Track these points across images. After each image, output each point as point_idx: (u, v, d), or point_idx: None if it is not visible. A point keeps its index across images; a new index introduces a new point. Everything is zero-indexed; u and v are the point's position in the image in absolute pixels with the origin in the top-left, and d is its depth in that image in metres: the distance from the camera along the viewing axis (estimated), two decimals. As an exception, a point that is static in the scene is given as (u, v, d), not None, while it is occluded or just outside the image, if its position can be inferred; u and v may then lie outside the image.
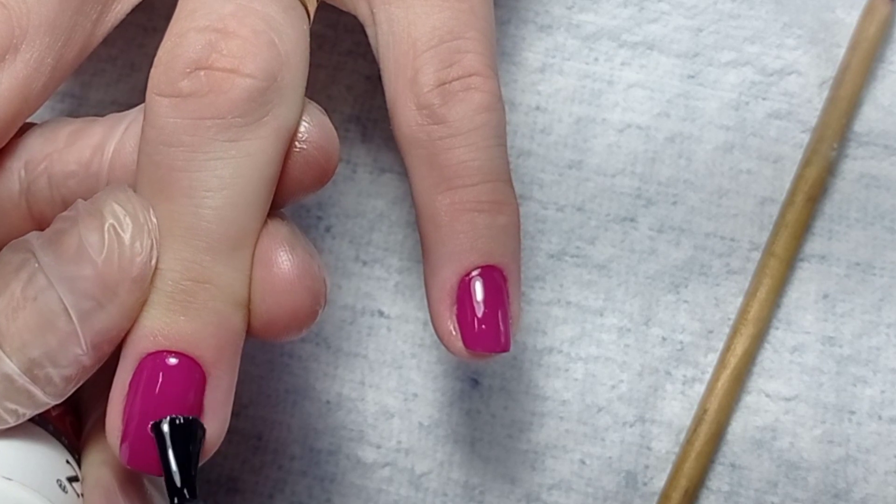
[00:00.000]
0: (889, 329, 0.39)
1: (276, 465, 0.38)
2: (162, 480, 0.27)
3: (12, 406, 0.27)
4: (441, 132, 0.31)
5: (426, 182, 0.31)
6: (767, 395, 0.39)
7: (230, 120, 0.27)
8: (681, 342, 0.39)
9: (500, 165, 0.32)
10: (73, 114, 0.40)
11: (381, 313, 0.40)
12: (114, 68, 0.41)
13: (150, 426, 0.26)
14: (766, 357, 0.39)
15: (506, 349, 0.31)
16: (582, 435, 0.39)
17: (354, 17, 0.34)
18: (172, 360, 0.27)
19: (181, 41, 0.27)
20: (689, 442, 0.38)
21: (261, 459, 0.38)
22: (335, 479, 0.38)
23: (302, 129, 0.29)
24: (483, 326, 0.31)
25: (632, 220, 0.40)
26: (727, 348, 0.39)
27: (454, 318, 0.31)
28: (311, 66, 0.30)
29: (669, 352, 0.39)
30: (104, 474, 0.29)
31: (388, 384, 0.39)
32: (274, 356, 0.39)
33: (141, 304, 0.27)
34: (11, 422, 0.27)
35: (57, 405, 0.28)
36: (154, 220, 0.27)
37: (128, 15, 0.32)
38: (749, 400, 0.39)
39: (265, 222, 0.28)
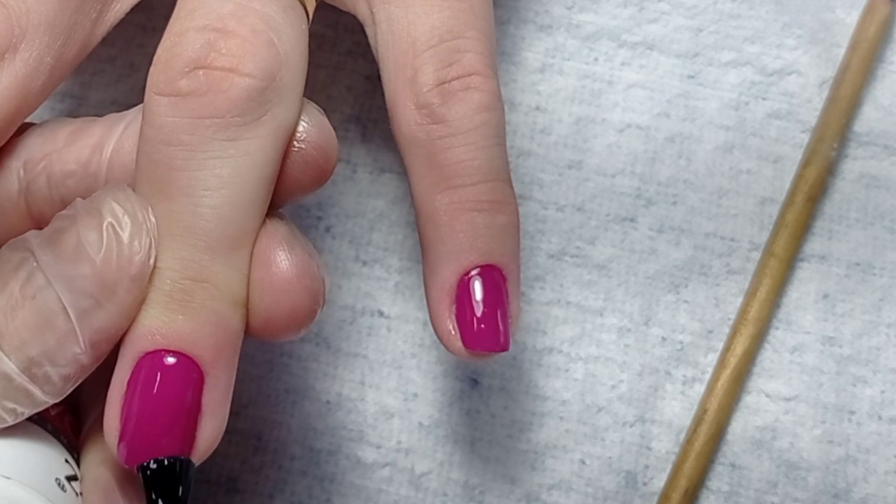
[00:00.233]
0: (889, 329, 0.39)
1: (276, 465, 0.38)
2: None
3: (11, 405, 0.27)
4: (440, 132, 0.31)
5: (425, 181, 0.31)
6: (767, 395, 0.39)
7: (229, 119, 0.27)
8: (681, 342, 0.39)
9: (499, 165, 0.32)
10: (73, 114, 0.40)
11: (380, 313, 0.40)
12: (113, 68, 0.41)
13: (136, 468, 0.27)
14: (766, 357, 0.39)
15: (505, 349, 0.31)
16: (582, 435, 0.39)
17: (354, 17, 0.34)
18: (170, 360, 0.27)
19: (180, 40, 0.27)
20: (689, 442, 0.38)
21: (261, 459, 0.38)
22: (335, 479, 0.38)
23: (300, 128, 0.29)
24: (482, 326, 0.31)
25: (632, 220, 0.40)
26: (727, 348, 0.39)
27: (453, 317, 0.31)
28: (310, 66, 0.30)
29: (669, 352, 0.39)
30: (103, 473, 0.29)
31: (387, 384, 0.39)
32: (273, 356, 0.39)
33: (139, 303, 0.27)
34: (10, 420, 0.27)
35: (56, 404, 0.28)
36: (153, 218, 0.27)
37: (127, 14, 0.32)
38: (749, 400, 0.39)
39: (264, 222, 0.28)
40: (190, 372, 0.27)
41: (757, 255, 0.40)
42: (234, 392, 0.28)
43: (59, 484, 0.28)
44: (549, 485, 0.38)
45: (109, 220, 0.27)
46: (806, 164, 0.40)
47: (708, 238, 0.40)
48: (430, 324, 0.32)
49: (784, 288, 0.40)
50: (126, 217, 0.27)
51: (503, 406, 0.39)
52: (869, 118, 0.41)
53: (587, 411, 0.39)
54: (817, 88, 0.41)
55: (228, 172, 0.27)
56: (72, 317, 0.26)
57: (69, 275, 0.26)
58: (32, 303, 0.26)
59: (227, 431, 0.28)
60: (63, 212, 0.27)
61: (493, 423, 0.39)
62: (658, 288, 0.40)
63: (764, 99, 0.41)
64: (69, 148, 0.30)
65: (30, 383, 0.27)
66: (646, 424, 0.39)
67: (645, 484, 0.38)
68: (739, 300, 0.40)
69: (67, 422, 0.30)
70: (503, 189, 0.31)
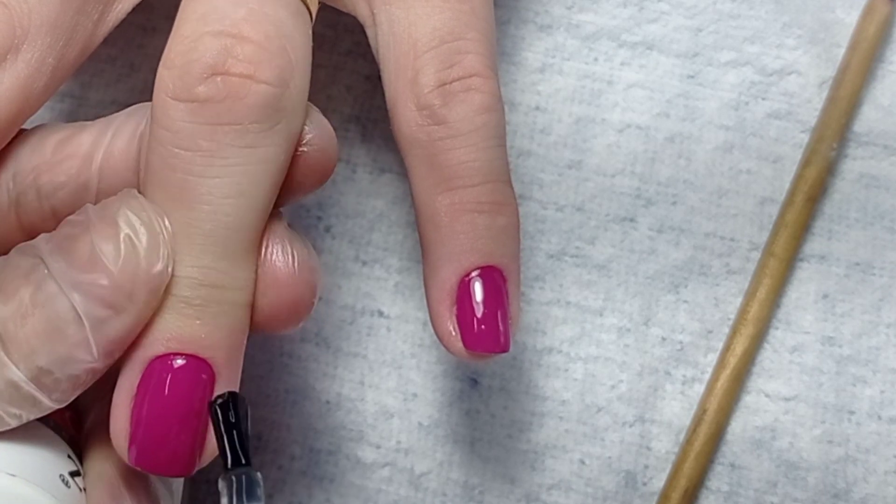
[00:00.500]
0: (889, 329, 0.39)
1: (276, 465, 0.38)
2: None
3: (16, 411, 0.27)
4: (441, 133, 0.31)
5: (426, 182, 0.31)
6: (767, 395, 0.39)
7: (247, 126, 0.27)
8: (680, 342, 0.39)
9: (499, 166, 0.32)
10: (73, 114, 0.40)
11: (380, 313, 0.40)
12: (113, 68, 0.41)
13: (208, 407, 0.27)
14: (766, 357, 0.39)
15: (505, 350, 0.31)
16: (581, 435, 0.39)
17: (354, 18, 0.34)
18: (180, 362, 0.27)
19: (197, 45, 0.27)
20: (688, 442, 0.38)
21: (261, 459, 0.38)
22: (335, 479, 0.38)
23: (305, 132, 0.29)
24: (483, 327, 0.31)
25: (631, 220, 0.40)
26: (727, 348, 0.39)
27: (454, 318, 0.31)
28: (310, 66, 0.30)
29: (669, 352, 0.39)
30: (107, 468, 0.29)
31: (387, 384, 0.39)
32: (273, 356, 0.39)
33: (154, 310, 0.27)
34: (13, 424, 0.27)
35: None
36: (169, 226, 0.27)
37: (127, 15, 0.32)
38: (748, 400, 0.39)
39: None
40: (200, 373, 0.27)
41: (757, 255, 0.40)
42: (238, 392, 0.28)
43: (63, 480, 0.28)
44: (549, 485, 0.38)
45: (126, 231, 0.26)
46: (806, 164, 0.40)
47: (708, 238, 0.40)
48: (429, 324, 0.33)
49: (784, 288, 0.40)
50: (142, 227, 0.26)
51: (503, 406, 0.39)
52: (869, 118, 0.41)
53: (587, 411, 0.39)
54: (817, 88, 0.41)
55: (247, 180, 0.27)
56: (86, 326, 0.26)
57: (85, 284, 0.26)
58: (43, 311, 0.26)
59: (228, 432, 0.28)
60: (73, 217, 0.27)
61: (492, 423, 0.39)
62: (658, 288, 0.40)
63: (764, 99, 0.41)
64: (58, 159, 0.29)
65: (37, 391, 0.26)
66: (645, 424, 0.39)
67: (644, 484, 0.38)
68: (739, 300, 0.40)
69: (68, 417, 0.30)
70: (503, 190, 0.31)
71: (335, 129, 0.30)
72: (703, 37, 0.42)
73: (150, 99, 0.29)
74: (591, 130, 0.41)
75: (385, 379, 0.39)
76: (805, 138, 0.41)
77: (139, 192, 0.28)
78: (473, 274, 0.31)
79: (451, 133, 0.31)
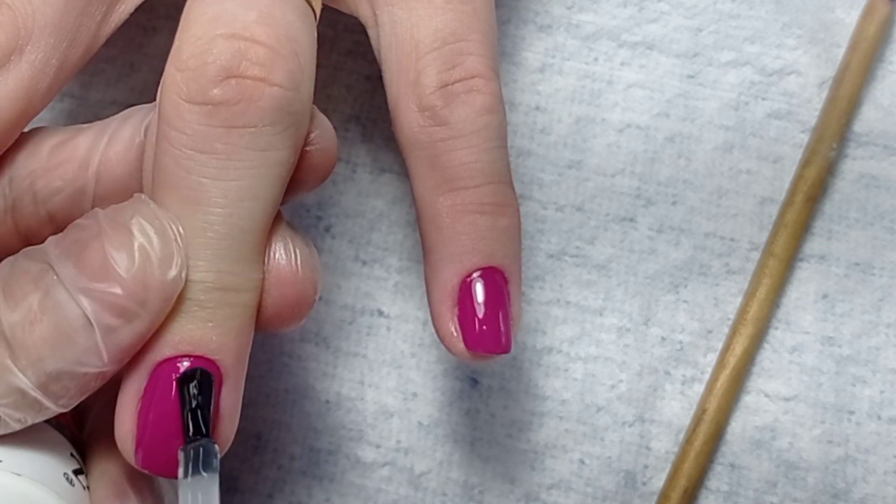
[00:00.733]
0: (888, 329, 0.39)
1: (276, 464, 0.38)
2: None
3: (21, 416, 0.27)
4: (443, 134, 0.31)
5: (428, 183, 0.31)
6: (767, 395, 0.39)
7: (261, 129, 0.27)
8: (680, 342, 0.39)
9: (501, 167, 0.32)
10: (73, 114, 0.40)
11: (380, 313, 0.40)
12: (113, 68, 0.41)
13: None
14: (766, 357, 0.39)
15: (507, 350, 0.31)
16: (581, 435, 0.39)
17: (354, 18, 0.34)
18: (187, 364, 0.27)
19: (210, 48, 0.27)
20: (688, 442, 0.38)
21: (260, 459, 0.38)
22: (335, 478, 0.38)
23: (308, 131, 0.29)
24: (484, 328, 0.31)
25: (631, 219, 0.40)
26: (726, 348, 0.39)
27: (455, 319, 0.31)
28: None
29: (669, 352, 0.39)
30: (110, 466, 0.29)
31: (387, 384, 0.39)
32: (274, 356, 0.39)
33: (166, 315, 0.27)
34: (17, 428, 0.27)
35: None
36: (182, 231, 0.27)
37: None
38: (748, 400, 0.39)
39: None
40: None
41: (756, 255, 0.40)
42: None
43: (67, 478, 0.28)
44: (549, 484, 0.38)
45: (140, 240, 0.26)
46: (805, 164, 0.40)
47: (707, 238, 0.40)
48: (429, 324, 0.33)
49: (783, 288, 0.40)
50: (156, 235, 0.26)
51: (503, 406, 0.39)
52: (869, 118, 0.41)
53: (586, 411, 0.39)
54: (817, 88, 0.41)
55: (261, 183, 0.27)
56: (97, 333, 0.26)
57: (95, 291, 0.26)
58: (52, 317, 0.26)
59: (229, 432, 0.28)
60: (81, 221, 0.27)
61: (492, 422, 0.39)
62: (657, 288, 0.40)
63: (764, 99, 0.41)
64: (54, 164, 0.29)
65: (44, 397, 0.26)
66: (645, 424, 0.39)
67: (644, 484, 0.38)
68: (739, 300, 0.40)
69: (69, 415, 0.31)
70: (505, 191, 0.32)
71: (335, 129, 0.30)
72: (703, 37, 0.42)
73: (150, 99, 0.30)
74: (591, 130, 0.41)
75: (385, 378, 0.39)
76: (805, 138, 0.41)
77: (148, 197, 0.28)
78: (475, 275, 0.31)
79: (453, 134, 0.31)
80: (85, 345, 0.26)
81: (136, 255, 0.26)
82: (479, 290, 0.31)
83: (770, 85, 0.41)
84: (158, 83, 0.29)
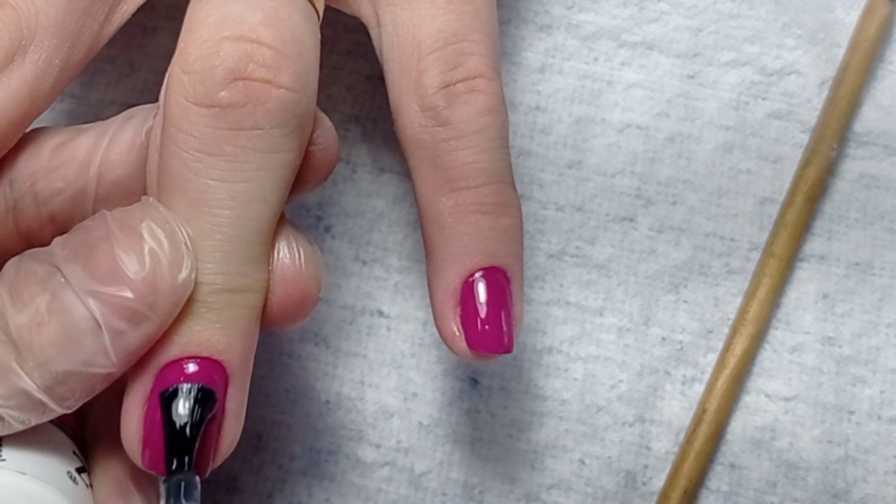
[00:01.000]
0: (888, 329, 0.39)
1: (276, 464, 0.38)
2: None
3: (25, 417, 0.27)
4: (445, 134, 0.31)
5: (430, 183, 0.31)
6: (767, 395, 0.39)
7: (269, 130, 0.27)
8: (680, 342, 0.39)
9: (503, 167, 0.32)
10: (73, 113, 0.40)
11: (380, 313, 0.40)
12: (114, 68, 0.41)
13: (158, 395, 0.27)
14: (766, 357, 0.39)
15: (509, 350, 0.31)
16: (581, 435, 0.39)
17: (355, 18, 0.34)
18: (193, 366, 0.27)
19: (217, 50, 0.27)
20: (688, 442, 0.38)
21: (261, 459, 0.38)
22: (335, 478, 0.38)
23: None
24: (486, 328, 0.31)
25: (631, 219, 0.40)
26: (727, 348, 0.39)
27: (458, 319, 0.31)
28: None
29: (669, 352, 0.39)
30: (113, 464, 0.29)
31: (387, 384, 0.39)
32: (274, 356, 0.39)
33: (174, 318, 0.27)
34: (19, 429, 0.27)
35: None
36: (191, 234, 0.27)
37: (131, 15, 0.32)
38: (748, 400, 0.39)
39: None
40: (213, 375, 0.27)
41: (756, 255, 0.40)
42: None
43: (70, 477, 0.28)
44: (549, 484, 0.38)
45: (151, 244, 0.26)
46: (805, 164, 0.40)
47: (707, 238, 0.40)
48: (429, 323, 0.33)
49: (783, 288, 0.40)
50: (166, 239, 0.26)
51: (503, 406, 0.39)
52: (869, 118, 0.41)
53: (587, 411, 0.39)
54: (817, 88, 0.41)
55: (268, 185, 0.27)
56: (105, 336, 0.26)
57: (104, 294, 0.26)
58: (59, 319, 0.26)
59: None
60: (88, 223, 0.27)
61: (492, 422, 0.39)
62: (658, 288, 0.40)
63: (764, 99, 0.41)
64: (55, 165, 0.29)
65: (49, 399, 0.26)
66: (645, 424, 0.39)
67: (644, 484, 0.38)
68: (739, 300, 0.40)
69: (71, 413, 0.30)
70: (507, 191, 0.32)
71: (335, 129, 0.30)
72: (703, 37, 0.42)
73: (150, 99, 0.30)
74: (591, 130, 0.41)
75: (385, 378, 0.39)
76: (805, 138, 0.41)
77: (153, 199, 0.28)
78: (477, 275, 0.31)
79: (455, 134, 0.31)
80: (93, 347, 0.26)
81: (147, 258, 0.26)
82: (482, 290, 0.31)
83: (770, 85, 0.41)
84: (159, 83, 0.29)
